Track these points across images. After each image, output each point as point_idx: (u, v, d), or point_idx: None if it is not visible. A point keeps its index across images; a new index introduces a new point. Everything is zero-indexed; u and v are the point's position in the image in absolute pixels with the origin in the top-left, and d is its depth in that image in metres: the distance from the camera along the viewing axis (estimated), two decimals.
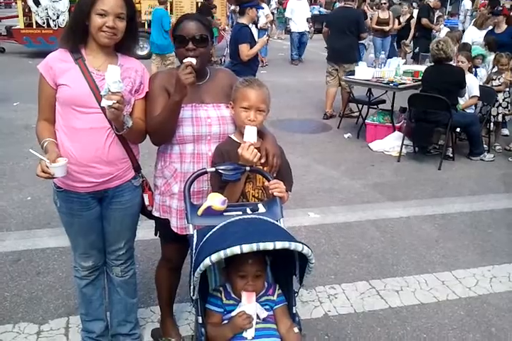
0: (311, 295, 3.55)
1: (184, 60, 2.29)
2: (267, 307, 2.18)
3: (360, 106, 7.82)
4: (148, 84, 2.51)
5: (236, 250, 1.81)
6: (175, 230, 2.56)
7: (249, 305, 2.07)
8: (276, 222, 2.14)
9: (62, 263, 3.84)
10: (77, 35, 2.37)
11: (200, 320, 2.09)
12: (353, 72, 7.46)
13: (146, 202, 2.65)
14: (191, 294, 2.02)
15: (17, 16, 14.35)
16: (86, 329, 2.89)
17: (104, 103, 2.13)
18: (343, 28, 7.98)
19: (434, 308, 3.44)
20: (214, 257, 1.82)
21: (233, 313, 2.08)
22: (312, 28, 15.14)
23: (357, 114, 7.98)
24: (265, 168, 2.39)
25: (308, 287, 3.62)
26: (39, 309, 3.31)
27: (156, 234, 2.79)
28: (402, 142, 6.47)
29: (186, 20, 2.42)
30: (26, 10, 13.70)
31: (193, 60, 2.27)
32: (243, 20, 6.38)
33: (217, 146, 2.44)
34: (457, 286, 3.70)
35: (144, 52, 13.34)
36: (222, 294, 2.17)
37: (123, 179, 2.53)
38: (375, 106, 7.62)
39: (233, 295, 2.16)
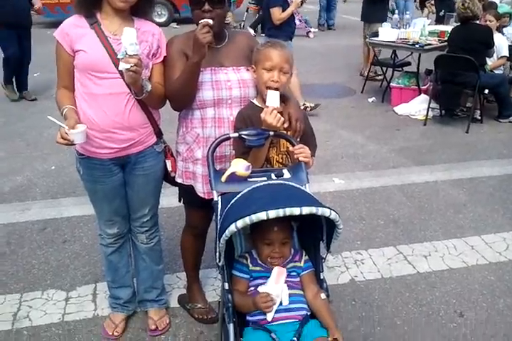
0: (337, 260, 3.51)
1: (200, 21, 2.19)
2: (294, 273, 2.14)
3: (384, 68, 7.61)
4: (166, 48, 2.43)
5: (262, 216, 1.75)
6: (201, 195, 2.52)
7: (276, 285, 2.01)
8: (301, 188, 2.07)
9: (88, 231, 3.86)
10: (91, 2, 2.28)
11: (226, 287, 2.06)
12: (377, 34, 7.24)
13: (169, 168, 2.62)
14: (217, 260, 1.98)
15: None
16: (113, 295, 2.91)
17: (122, 66, 2.07)
18: None
19: (464, 273, 3.38)
20: (239, 223, 1.77)
21: (259, 288, 2.02)
22: None
23: (381, 77, 7.77)
24: (289, 133, 2.31)
25: (334, 252, 3.59)
26: (67, 276, 3.34)
27: (179, 201, 2.75)
28: (429, 105, 6.29)
29: None
30: None
31: (210, 20, 2.18)
32: None
33: (240, 111, 2.37)
34: (487, 251, 3.62)
35: (161, 19, 13.15)
36: (248, 260, 2.14)
37: (145, 144, 2.48)
38: (400, 69, 7.41)
39: (259, 262, 2.13)
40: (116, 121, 2.34)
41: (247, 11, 14.18)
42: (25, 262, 3.49)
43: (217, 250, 1.91)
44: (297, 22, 12.80)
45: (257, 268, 2.12)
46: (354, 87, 7.97)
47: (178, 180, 2.61)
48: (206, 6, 2.26)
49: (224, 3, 2.32)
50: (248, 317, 2.04)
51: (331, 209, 1.84)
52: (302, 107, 6.51)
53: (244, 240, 2.24)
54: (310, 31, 13.05)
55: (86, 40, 2.27)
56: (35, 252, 3.61)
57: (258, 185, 2.00)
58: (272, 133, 2.21)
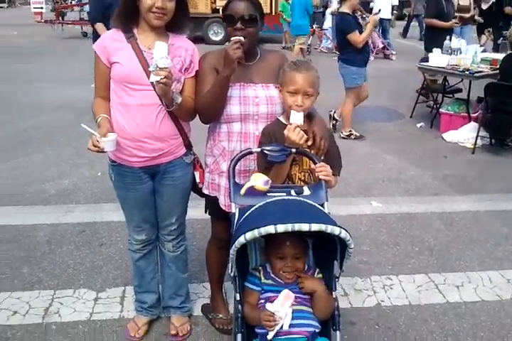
0: (366, 284, 3.48)
1: (232, 38, 2.27)
2: None
3: (435, 94, 7.52)
4: (199, 63, 2.52)
5: (270, 229, 1.79)
6: (223, 208, 2.57)
7: (282, 308, 2.01)
8: (317, 205, 2.08)
9: (124, 236, 3.95)
10: (128, 15, 2.42)
11: (237, 297, 2.11)
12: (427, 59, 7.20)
13: (197, 180, 2.69)
14: (229, 271, 2.03)
15: None
16: (139, 299, 2.99)
17: (153, 78, 2.17)
18: None
19: (496, 307, 3.27)
20: (248, 235, 1.82)
21: (267, 306, 2.03)
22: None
23: (431, 102, 7.69)
24: (312, 151, 2.34)
25: (363, 276, 3.56)
26: (99, 277, 3.45)
27: (205, 212, 2.82)
28: (478, 133, 6.15)
29: (236, 0, 2.40)
30: None
31: (241, 38, 2.26)
32: (344, 9, 6.33)
33: (265, 127, 2.42)
34: None
35: (218, 38, 13.42)
36: (261, 273, 2.17)
37: (174, 155, 2.57)
38: (451, 95, 7.31)
39: (272, 275, 2.16)
40: (147, 131, 2.44)
41: (312, 34, 14.34)
42: (62, 261, 3.63)
43: (229, 260, 1.95)
44: (380, 44, 12.97)
45: (269, 282, 2.15)
46: (404, 111, 7.91)
47: (205, 191, 2.68)
48: (238, 25, 2.35)
49: (256, 22, 2.40)
50: (257, 330, 2.07)
51: (341, 228, 1.85)
52: (347, 134, 6.53)
53: (259, 254, 2.29)
54: (392, 53, 13.09)
55: (122, 53, 2.40)
56: (72, 253, 3.75)
57: (273, 199, 2.04)
58: (294, 150, 2.24)
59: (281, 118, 2.42)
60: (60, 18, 16.92)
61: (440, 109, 7.12)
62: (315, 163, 2.27)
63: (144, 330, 2.93)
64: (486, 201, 4.83)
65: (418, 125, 7.27)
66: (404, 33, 17.35)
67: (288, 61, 2.50)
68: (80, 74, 8.46)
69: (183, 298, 3.01)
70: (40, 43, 14.79)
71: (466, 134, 6.47)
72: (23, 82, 9.56)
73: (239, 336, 2.04)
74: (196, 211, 2.94)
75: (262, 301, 2.13)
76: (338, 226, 1.86)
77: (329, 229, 1.83)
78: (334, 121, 6.84)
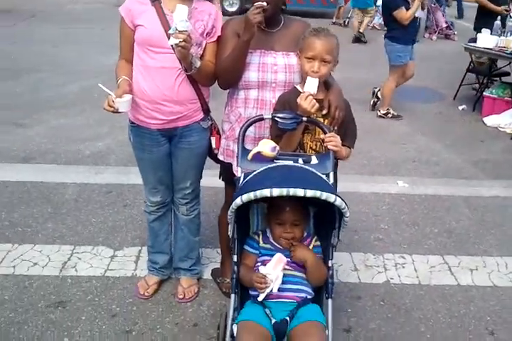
0: (377, 260, 3.49)
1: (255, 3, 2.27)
2: None
3: (480, 77, 7.29)
4: (222, 28, 2.54)
5: (266, 193, 1.83)
6: (235, 173, 2.62)
7: (273, 271, 2.06)
8: (319, 174, 2.09)
9: None
10: None
11: (235, 259, 2.17)
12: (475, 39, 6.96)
13: (213, 145, 2.73)
14: (229, 232, 2.09)
15: None
16: (151, 260, 3.10)
17: (172, 41, 2.20)
18: None
19: (508, 293, 3.23)
20: (244, 197, 1.87)
21: (260, 268, 2.10)
22: None
23: (476, 85, 7.45)
24: (327, 121, 2.34)
25: (376, 253, 3.57)
26: (118, 236, 3.59)
27: (219, 178, 2.87)
28: None
29: None
30: None
31: (264, 3, 2.26)
32: None
33: (281, 94, 2.44)
34: None
35: (233, 9, 13.34)
36: (260, 237, 2.24)
37: (191, 119, 2.62)
38: (497, 78, 7.06)
39: (271, 240, 2.21)
40: (165, 94, 2.49)
41: (352, 8, 14.03)
42: (86, 219, 3.78)
43: (228, 221, 2.01)
44: (443, 24, 12.66)
45: (267, 246, 2.21)
46: (448, 93, 7.70)
47: (220, 157, 2.73)
48: None
49: None
50: (250, 291, 2.13)
51: (337, 195, 1.88)
52: (384, 112, 6.44)
53: (260, 219, 2.34)
54: (454, 34, 12.75)
55: (146, 16, 2.44)
56: (96, 211, 3.90)
57: (275, 165, 2.07)
58: (305, 118, 2.25)
59: (299, 87, 2.43)
60: None
61: (484, 92, 6.89)
62: (325, 133, 2.28)
63: (153, 289, 3.04)
64: None
65: (460, 107, 7.08)
66: (460, 14, 16.71)
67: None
68: None
69: (193, 260, 3.10)
70: (95, 9, 14.96)
71: (508, 119, 6.28)
72: (74, 45, 9.77)
73: (233, 296, 2.12)
74: (217, 180, 2.97)
75: (259, 264, 2.19)
76: (334, 194, 1.88)
77: (324, 195, 1.86)
78: (376, 99, 6.74)
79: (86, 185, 4.29)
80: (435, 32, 12.95)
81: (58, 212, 3.85)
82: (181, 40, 2.20)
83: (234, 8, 13.53)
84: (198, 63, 2.40)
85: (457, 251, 3.65)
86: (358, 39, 11.93)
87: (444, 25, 12.91)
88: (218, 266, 3.27)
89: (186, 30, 2.20)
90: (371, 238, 3.75)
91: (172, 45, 2.26)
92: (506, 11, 7.51)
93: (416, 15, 6.46)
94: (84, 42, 10.13)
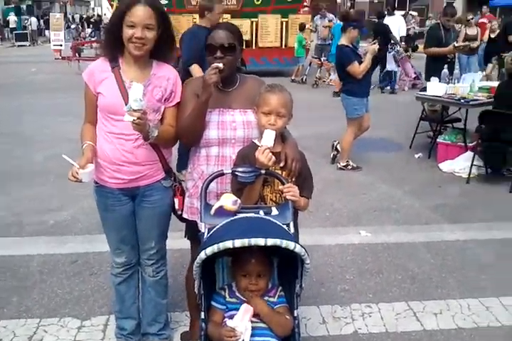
0: (345, 312, 3.53)
1: (213, 65, 2.43)
2: None
3: (434, 124, 7.62)
4: (182, 89, 2.68)
5: (228, 244, 1.92)
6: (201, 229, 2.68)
7: (241, 323, 2.12)
8: (278, 223, 2.19)
9: None
10: (113, 45, 2.59)
11: (202, 316, 2.23)
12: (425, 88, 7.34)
13: (176, 206, 2.81)
14: (194, 289, 2.15)
15: None
16: (119, 326, 3.09)
17: (127, 118, 2.34)
18: None
19: (472, 334, 3.30)
20: (208, 250, 1.95)
21: (227, 322, 2.15)
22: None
23: (431, 133, 7.78)
24: (284, 173, 2.47)
25: (343, 304, 3.62)
26: (85, 306, 3.57)
27: (185, 236, 2.93)
28: (472, 162, 6.21)
29: (216, 29, 2.58)
30: None
31: (220, 64, 2.42)
32: (343, 40, 6.54)
33: (240, 149, 2.56)
34: (503, 314, 3.52)
35: None
36: (226, 292, 2.29)
37: (152, 179, 2.72)
38: (450, 125, 7.40)
39: (237, 294, 2.27)
40: (125, 156, 2.61)
41: (309, 65, 14.65)
42: (52, 291, 3.76)
43: (194, 278, 2.08)
44: (412, 74, 13.18)
45: (233, 300, 2.26)
46: (404, 142, 8.00)
47: (184, 216, 2.81)
48: (218, 53, 2.52)
49: (234, 50, 2.57)
50: None
51: (296, 243, 1.97)
52: (344, 164, 6.65)
53: (226, 273, 2.40)
54: (421, 83, 13.17)
55: (106, 84, 2.58)
56: (62, 282, 3.88)
57: (236, 217, 2.17)
58: (263, 171, 2.37)
59: (256, 141, 2.53)
60: (77, 55, 17.48)
61: (438, 139, 7.19)
62: (283, 184, 2.40)
63: None
64: (475, 230, 4.88)
65: (416, 155, 7.36)
66: None
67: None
68: None
69: (161, 324, 3.09)
70: (56, 79, 15.27)
71: (462, 164, 6.53)
72: (37, 115, 9.93)
73: None
74: (183, 241, 3.03)
75: (226, 319, 2.23)
76: (294, 242, 1.98)
77: (284, 243, 1.96)
78: (335, 152, 6.94)
79: (51, 256, 4.28)
80: (408, 82, 13.48)
81: (23, 285, 3.82)
82: (135, 118, 2.32)
83: None
84: (156, 133, 2.52)
85: (421, 296, 3.73)
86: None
87: (413, 75, 13.48)
88: (187, 329, 3.27)
89: (141, 109, 2.33)
90: (337, 289, 3.81)
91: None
92: (456, 47, 7.86)
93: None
94: (45, 112, 10.29)
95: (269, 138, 2.39)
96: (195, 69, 5.32)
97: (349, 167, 6.69)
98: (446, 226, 4.97)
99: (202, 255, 1.99)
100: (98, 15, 40.95)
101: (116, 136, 2.60)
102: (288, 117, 2.51)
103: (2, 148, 7.64)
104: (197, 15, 14.14)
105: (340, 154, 6.86)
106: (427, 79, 8.01)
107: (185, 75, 5.03)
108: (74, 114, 9.68)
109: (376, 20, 14.75)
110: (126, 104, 2.48)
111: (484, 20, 16.20)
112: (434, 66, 7.93)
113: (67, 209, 5.31)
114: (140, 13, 2.47)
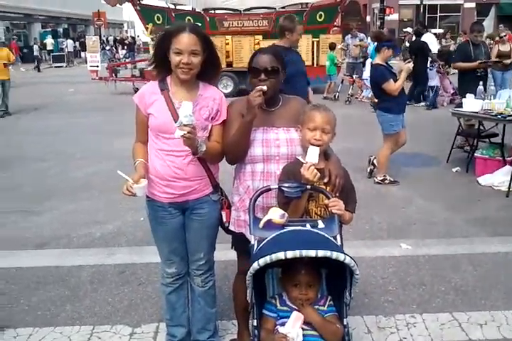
0: (389, 322, 3.57)
1: (257, 88, 2.56)
2: None
3: (470, 139, 7.62)
4: (227, 109, 2.82)
5: (280, 255, 2.01)
6: (250, 240, 2.78)
7: (293, 329, 2.20)
8: (327, 236, 2.28)
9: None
10: (162, 69, 2.77)
11: (255, 323, 2.31)
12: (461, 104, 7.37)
13: (224, 219, 2.94)
14: (248, 298, 2.24)
15: (149, 60, 15.90)
16: (169, 333, 3.20)
17: (178, 133, 2.47)
18: None
19: None
20: (261, 261, 2.04)
21: (279, 329, 2.24)
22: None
23: (468, 147, 7.77)
24: (328, 188, 2.56)
25: (387, 314, 3.65)
26: (135, 314, 3.69)
27: (232, 248, 3.05)
28: (511, 176, 6.20)
29: (260, 53, 2.73)
30: None
31: (264, 87, 2.56)
32: (377, 60, 6.71)
33: (284, 166, 2.67)
34: None
35: (227, 90, 13.97)
36: (277, 301, 2.37)
37: (201, 193, 2.85)
38: (487, 140, 7.39)
39: (288, 303, 2.35)
40: (176, 173, 2.75)
41: (342, 82, 14.77)
42: (103, 299, 3.90)
43: (247, 287, 2.17)
44: (451, 90, 13.23)
45: (284, 308, 2.34)
46: (441, 156, 8.00)
47: (231, 228, 2.93)
48: (262, 76, 2.65)
49: (278, 73, 2.70)
50: None
51: (346, 254, 2.06)
52: (381, 178, 6.70)
53: (276, 283, 2.49)
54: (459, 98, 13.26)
55: (156, 106, 2.74)
56: (112, 291, 4.02)
57: (285, 230, 2.27)
58: (309, 186, 2.47)
59: (300, 158, 2.64)
60: (114, 75, 17.98)
61: (475, 154, 7.19)
62: (328, 199, 2.49)
63: None
64: None
65: (454, 170, 7.35)
66: None
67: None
68: (128, 127, 9.04)
69: (211, 332, 3.18)
70: (93, 99, 15.75)
71: (501, 178, 6.50)
72: (76, 134, 10.28)
73: None
74: (231, 252, 3.14)
75: (278, 327, 2.32)
76: (344, 253, 2.07)
77: (334, 255, 2.05)
78: (372, 166, 7.00)
79: (100, 266, 4.44)
80: (447, 97, 13.50)
81: (75, 294, 3.98)
82: (186, 132, 2.46)
83: (228, 90, 14.24)
84: (204, 147, 2.65)
85: (465, 307, 3.74)
86: None
87: (451, 91, 13.50)
88: (235, 336, 3.35)
89: (191, 124, 2.47)
90: (381, 300, 3.85)
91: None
92: (484, 63, 7.93)
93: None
94: (84, 131, 10.63)
95: (313, 154, 2.49)
96: None
97: (386, 181, 6.73)
98: (487, 239, 4.96)
99: (255, 265, 2.09)
100: (132, 37, 42.04)
101: (167, 153, 2.75)
102: (332, 134, 2.62)
103: (46, 165, 7.94)
104: (229, 37, 15.09)
105: (377, 168, 6.92)
106: (461, 94, 8.05)
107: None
108: (112, 132, 10.14)
109: (413, 38, 14.82)
110: (175, 123, 2.63)
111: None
112: (463, 80, 8.04)
113: (112, 222, 5.48)
114: (185, 40, 2.63)
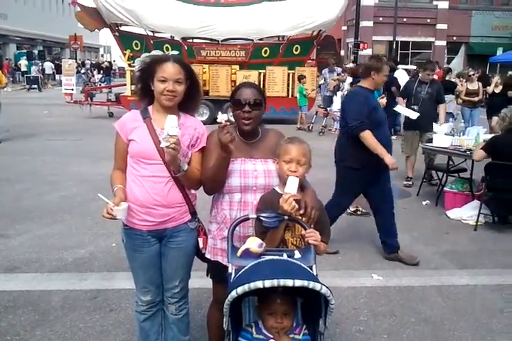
0: None
1: (218, 119, 2.57)
2: None
3: (440, 173, 7.83)
4: (207, 139, 2.90)
5: (259, 284, 2.06)
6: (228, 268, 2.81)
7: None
8: (303, 266, 2.34)
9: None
10: (144, 98, 2.87)
11: None
12: (431, 140, 7.60)
13: (201, 246, 2.98)
14: (224, 325, 2.27)
15: (125, 85, 16.00)
16: None
17: (163, 144, 2.54)
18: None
19: None
20: (239, 290, 2.08)
21: None
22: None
23: (437, 181, 7.98)
24: (304, 219, 2.63)
25: None
26: None
27: (207, 275, 3.07)
28: (479, 211, 6.37)
29: (244, 87, 2.82)
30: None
31: (224, 117, 2.57)
32: None
33: (262, 195, 2.74)
34: None
35: (203, 118, 14.17)
36: (253, 329, 2.40)
37: (179, 221, 2.89)
38: (456, 174, 7.61)
39: (264, 331, 2.38)
40: (156, 199, 2.79)
41: (316, 114, 15.07)
42: (73, 325, 3.85)
43: (223, 315, 2.20)
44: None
45: (260, 337, 2.37)
46: (411, 190, 8.19)
47: (207, 256, 2.96)
48: (246, 108, 2.74)
49: (261, 106, 2.80)
50: None
51: (322, 284, 2.11)
52: (353, 210, 6.81)
53: (252, 311, 2.52)
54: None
55: (138, 132, 2.81)
56: (83, 317, 3.97)
57: (263, 259, 2.32)
58: (286, 217, 2.54)
59: (277, 189, 2.73)
60: (89, 99, 17.97)
61: (444, 188, 7.39)
62: (305, 229, 2.56)
63: None
64: (484, 275, 4.98)
65: (424, 203, 7.53)
66: None
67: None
68: (103, 151, 9.05)
69: None
70: (68, 122, 15.66)
71: (469, 212, 6.69)
72: (52, 156, 10.21)
73: None
74: (204, 280, 3.18)
75: None
76: (320, 283, 2.12)
77: (311, 284, 2.10)
78: None
79: (71, 292, 4.38)
80: None
81: (46, 319, 3.92)
82: (171, 142, 2.53)
83: (204, 118, 14.36)
84: (186, 166, 2.73)
85: (434, 338, 3.82)
86: None
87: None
88: None
89: (176, 135, 2.55)
90: (352, 330, 3.90)
91: (163, 148, 2.58)
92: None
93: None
94: (60, 153, 10.57)
95: (292, 185, 2.56)
96: (368, 136, 4.92)
97: (358, 212, 6.85)
98: (456, 271, 5.08)
99: (233, 293, 2.13)
100: (108, 61, 42.14)
101: (147, 179, 2.79)
102: (307, 166, 2.70)
103: (21, 186, 7.86)
104: (207, 66, 15.29)
105: None
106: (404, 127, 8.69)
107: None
108: (87, 156, 10.11)
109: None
110: (157, 149, 2.71)
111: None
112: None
113: (84, 247, 5.43)
114: (170, 69, 2.75)
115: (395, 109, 8.17)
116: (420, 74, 8.57)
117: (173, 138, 2.54)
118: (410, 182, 8.41)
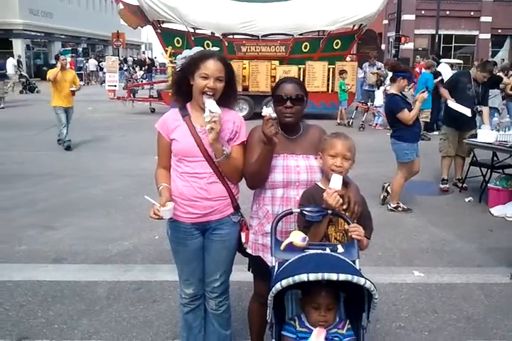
0: None
1: (263, 113, 2.61)
2: (337, 339, 2.39)
3: (484, 169, 7.67)
4: (249, 135, 2.93)
5: (303, 277, 2.09)
6: (269, 264, 2.79)
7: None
8: (347, 260, 2.36)
9: (176, 294, 4.24)
10: (183, 95, 2.92)
11: None
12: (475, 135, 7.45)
13: (243, 240, 3.01)
14: (267, 318, 2.31)
15: (167, 81, 16.22)
16: None
17: (206, 119, 2.65)
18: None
19: None
20: (284, 282, 2.12)
21: None
22: None
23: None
24: (347, 214, 2.64)
25: (399, 340, 3.68)
26: (150, 331, 3.76)
27: (248, 270, 3.12)
28: None
29: (285, 82, 2.84)
30: None
31: (269, 110, 2.60)
32: (392, 89, 6.85)
33: (305, 190, 2.76)
34: None
35: (243, 113, 14.13)
36: (297, 322, 2.43)
37: (223, 214, 2.94)
38: (501, 171, 7.44)
39: (307, 324, 2.41)
40: (199, 193, 2.85)
41: (356, 109, 14.94)
42: (118, 315, 3.97)
43: (267, 308, 2.24)
44: None
45: (304, 330, 2.41)
46: (454, 186, 8.06)
47: (248, 251, 3.00)
48: (288, 103, 2.77)
49: (302, 101, 2.82)
50: None
51: (366, 279, 2.13)
52: (394, 206, 6.76)
53: (295, 305, 2.55)
54: None
55: (179, 131, 2.87)
56: (127, 308, 4.09)
57: (308, 253, 2.34)
58: (330, 211, 2.56)
59: (320, 184, 2.76)
60: (132, 95, 18.29)
61: (488, 184, 7.24)
62: (349, 224, 2.57)
63: None
64: None
65: (466, 199, 7.40)
66: None
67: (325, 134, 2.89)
68: (145, 147, 9.23)
69: None
70: (111, 118, 16.02)
71: None
72: (96, 151, 10.49)
73: None
74: (245, 273, 3.23)
75: None
76: (364, 278, 2.14)
77: (355, 279, 2.12)
78: (385, 193, 7.07)
79: (116, 283, 4.51)
80: None
81: (92, 309, 4.05)
82: (213, 116, 2.62)
83: (243, 113, 14.41)
84: (228, 150, 2.79)
85: (477, 336, 3.77)
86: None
87: None
88: None
89: (217, 112, 2.64)
90: (393, 326, 3.89)
91: (207, 130, 2.68)
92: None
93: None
94: (103, 148, 10.81)
95: (337, 182, 2.59)
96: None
97: (399, 209, 6.79)
98: (500, 269, 4.98)
99: (278, 286, 2.16)
100: (149, 58, 42.70)
101: (190, 175, 2.86)
102: (352, 161, 2.71)
103: (65, 181, 8.11)
104: (247, 62, 15.37)
105: (390, 196, 6.98)
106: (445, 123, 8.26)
107: None
108: (130, 151, 10.32)
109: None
110: (199, 147, 2.79)
111: None
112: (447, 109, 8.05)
113: (128, 239, 5.57)
114: (212, 66, 2.80)
115: (448, 104, 7.88)
116: (475, 72, 7.82)
117: (215, 114, 2.63)
118: (447, 186, 7.97)
